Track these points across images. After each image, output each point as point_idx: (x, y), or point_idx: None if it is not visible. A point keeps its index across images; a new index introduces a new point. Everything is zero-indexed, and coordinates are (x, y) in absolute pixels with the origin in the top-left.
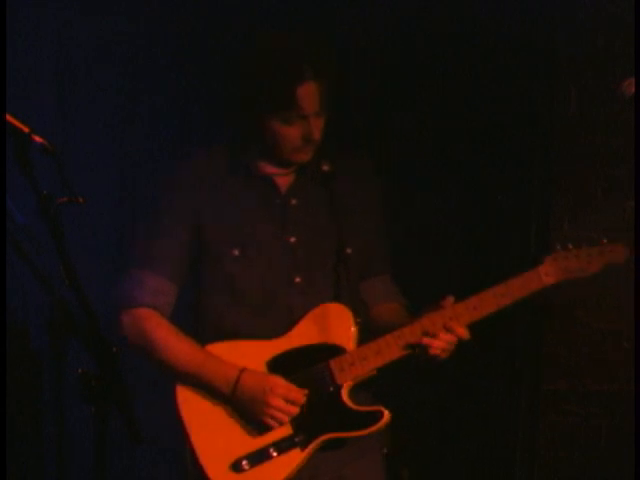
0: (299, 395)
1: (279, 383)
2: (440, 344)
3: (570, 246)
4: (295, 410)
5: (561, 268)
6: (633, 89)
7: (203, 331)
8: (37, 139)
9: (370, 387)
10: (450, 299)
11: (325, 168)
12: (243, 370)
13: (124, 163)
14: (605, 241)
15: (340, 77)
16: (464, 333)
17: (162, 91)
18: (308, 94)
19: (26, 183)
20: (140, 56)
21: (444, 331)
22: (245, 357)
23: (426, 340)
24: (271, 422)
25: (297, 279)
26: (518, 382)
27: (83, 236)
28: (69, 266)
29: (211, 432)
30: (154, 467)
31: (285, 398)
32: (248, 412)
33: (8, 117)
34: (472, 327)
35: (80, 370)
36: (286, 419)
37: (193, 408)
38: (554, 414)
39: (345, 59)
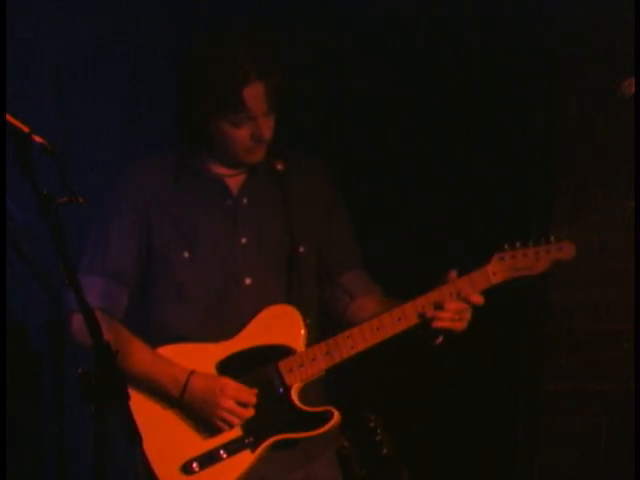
0: (250, 396)
1: (229, 384)
2: (448, 314)
3: (517, 244)
4: (246, 412)
5: (508, 267)
6: (633, 89)
7: (153, 334)
8: (37, 139)
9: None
10: (453, 273)
11: (279, 167)
12: (192, 372)
13: (124, 163)
14: (552, 239)
15: (286, 74)
16: (479, 299)
17: (162, 91)
18: (255, 95)
19: (26, 183)
20: (140, 56)
21: (451, 302)
22: (194, 360)
23: (432, 313)
24: (221, 424)
25: (247, 281)
26: (518, 382)
27: (83, 236)
28: (69, 266)
29: (161, 434)
30: None
31: (235, 399)
32: (198, 414)
33: (8, 117)
34: (472, 327)
35: (80, 370)
36: (237, 421)
37: (143, 410)
38: (554, 414)
39: (345, 59)
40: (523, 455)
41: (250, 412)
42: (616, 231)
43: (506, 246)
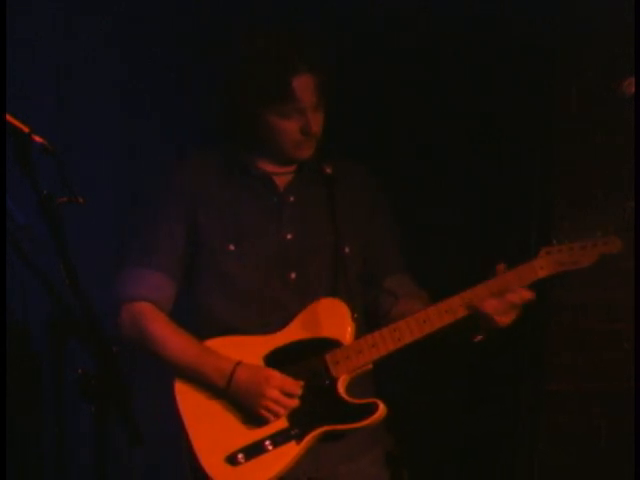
0: (295, 387)
1: (274, 375)
2: (496, 305)
3: (565, 240)
4: (291, 402)
5: (555, 261)
6: (633, 89)
7: (200, 327)
8: (37, 139)
9: (372, 385)
10: (502, 266)
11: (327, 170)
12: (238, 363)
13: (124, 163)
14: (599, 234)
15: (335, 73)
16: (529, 294)
17: (162, 91)
18: (304, 85)
19: (26, 183)
20: (140, 56)
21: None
22: (242, 352)
23: (479, 304)
24: (267, 414)
25: (292, 275)
26: (519, 382)
27: (83, 236)
28: (69, 266)
29: (207, 425)
30: (154, 467)
31: (281, 390)
32: (244, 405)
33: (8, 117)
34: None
35: (80, 370)
36: (282, 411)
37: (190, 401)
38: (555, 414)
39: (345, 59)
40: (523, 455)
41: (295, 402)
42: (616, 231)
43: (554, 240)
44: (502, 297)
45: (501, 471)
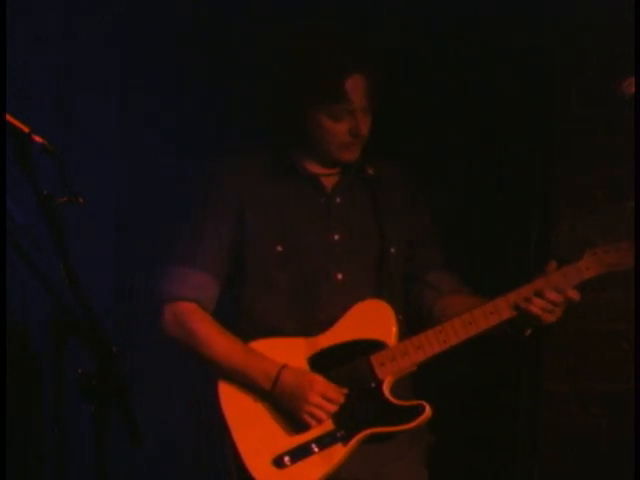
0: (337, 393)
1: (318, 380)
2: (542, 303)
3: (610, 240)
4: (333, 408)
5: (601, 262)
6: (633, 89)
7: (244, 328)
8: (37, 139)
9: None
10: (553, 265)
11: (370, 172)
12: (284, 367)
13: (124, 163)
14: None
15: (386, 75)
16: (575, 294)
17: (163, 91)
18: (356, 87)
19: (26, 183)
20: (140, 55)
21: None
22: (287, 354)
23: (525, 304)
24: (309, 419)
25: (339, 276)
26: (519, 382)
27: (83, 236)
28: (69, 266)
29: (252, 428)
30: (154, 467)
31: (324, 396)
32: (288, 408)
33: (8, 117)
34: None
35: (80, 370)
36: (324, 417)
37: (235, 404)
38: (554, 414)
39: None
40: (523, 455)
41: (336, 408)
42: (616, 231)
43: (599, 241)
44: (547, 297)
45: (501, 471)
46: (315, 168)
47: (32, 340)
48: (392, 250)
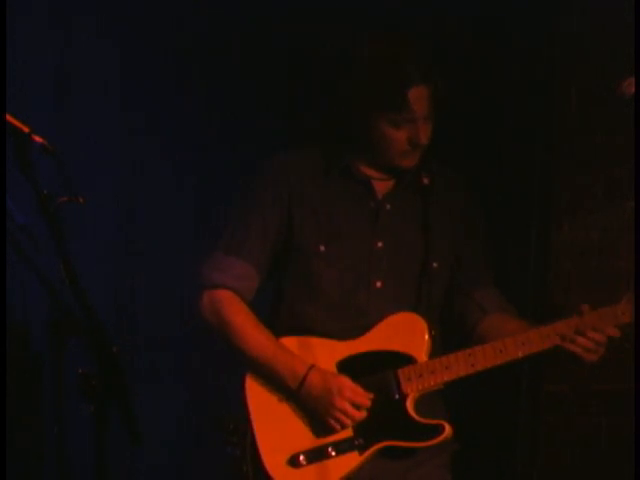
0: (365, 400)
1: (347, 385)
2: (586, 342)
3: None
4: (359, 415)
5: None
6: (633, 89)
7: (279, 322)
8: (37, 139)
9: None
10: (586, 307)
11: (425, 181)
12: (312, 367)
13: (124, 163)
14: None
15: (447, 84)
16: (615, 332)
17: (162, 91)
18: (419, 97)
19: (26, 183)
20: (140, 55)
21: (587, 332)
22: (317, 354)
23: (567, 343)
24: (334, 424)
25: (378, 284)
26: (519, 383)
27: (83, 236)
28: (69, 266)
29: (274, 423)
30: (154, 467)
31: (351, 401)
32: (312, 409)
33: (8, 117)
34: None
35: (80, 370)
36: (349, 423)
37: (259, 397)
38: (554, 414)
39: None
40: (523, 455)
41: (363, 415)
42: (616, 231)
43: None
44: (587, 335)
45: (501, 471)
46: (369, 171)
47: (32, 340)
48: (434, 265)
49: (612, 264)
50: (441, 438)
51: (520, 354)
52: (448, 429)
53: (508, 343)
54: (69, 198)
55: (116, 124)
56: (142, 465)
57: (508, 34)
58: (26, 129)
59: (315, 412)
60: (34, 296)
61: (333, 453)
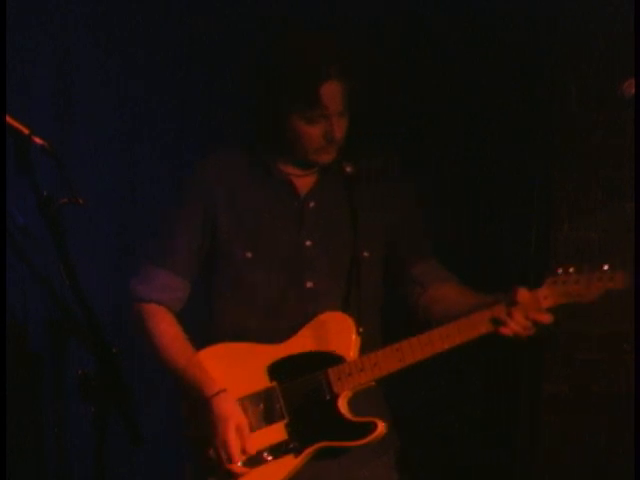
0: (252, 449)
1: (242, 424)
2: (509, 328)
3: (571, 270)
4: (239, 457)
5: (560, 292)
6: (633, 89)
7: (214, 329)
8: (37, 140)
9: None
10: (523, 290)
11: (348, 169)
12: (217, 394)
13: (124, 163)
14: (606, 267)
15: (366, 77)
16: (545, 317)
17: (162, 91)
18: (332, 93)
19: (26, 184)
20: (140, 55)
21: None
22: (247, 360)
23: (495, 326)
24: (211, 452)
25: (309, 284)
26: (519, 383)
27: (83, 236)
28: (69, 266)
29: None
30: (154, 467)
31: (240, 442)
32: (208, 429)
33: (8, 118)
34: None
35: (80, 370)
36: (223, 458)
37: (191, 407)
38: (554, 415)
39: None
40: (523, 455)
41: (242, 458)
42: (616, 231)
43: (559, 270)
44: (515, 319)
45: (501, 472)
46: (290, 169)
47: (32, 340)
48: (365, 254)
49: (612, 264)
50: (374, 436)
51: (445, 346)
52: (381, 426)
53: (433, 336)
54: (69, 199)
55: (116, 125)
56: (142, 465)
57: (508, 34)
58: (26, 130)
59: (208, 432)
60: (34, 296)
61: (269, 458)
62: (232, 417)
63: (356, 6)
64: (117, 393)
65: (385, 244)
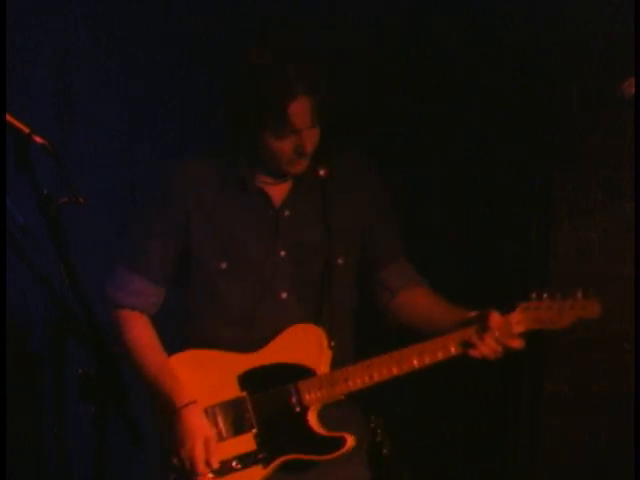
0: (216, 460)
1: (209, 437)
2: (484, 349)
3: (545, 296)
4: (203, 470)
5: (532, 318)
6: (633, 89)
7: (186, 337)
8: (37, 139)
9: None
10: (496, 315)
11: (321, 173)
12: (187, 406)
13: (124, 163)
14: (580, 296)
15: (334, 88)
16: (516, 342)
17: (162, 91)
18: (300, 110)
19: (26, 183)
20: (140, 56)
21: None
22: (218, 368)
23: (467, 349)
24: (176, 462)
25: (283, 294)
26: (519, 383)
27: (83, 236)
28: (69, 266)
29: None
30: (154, 467)
31: (205, 455)
32: (175, 439)
33: (8, 117)
34: None
35: (80, 370)
36: (188, 470)
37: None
38: (555, 414)
39: (344, 63)
40: (524, 455)
41: (206, 472)
42: (616, 231)
43: (533, 295)
44: (486, 343)
45: (501, 472)
46: (265, 179)
47: (32, 340)
48: (340, 261)
49: (612, 264)
50: (342, 451)
51: (419, 365)
52: (350, 441)
53: (405, 353)
54: (69, 198)
55: (116, 125)
56: (142, 465)
57: (508, 34)
58: (26, 129)
59: (175, 443)
60: (34, 296)
61: (238, 466)
62: (199, 430)
63: (356, 6)
64: (117, 393)
65: (360, 247)
